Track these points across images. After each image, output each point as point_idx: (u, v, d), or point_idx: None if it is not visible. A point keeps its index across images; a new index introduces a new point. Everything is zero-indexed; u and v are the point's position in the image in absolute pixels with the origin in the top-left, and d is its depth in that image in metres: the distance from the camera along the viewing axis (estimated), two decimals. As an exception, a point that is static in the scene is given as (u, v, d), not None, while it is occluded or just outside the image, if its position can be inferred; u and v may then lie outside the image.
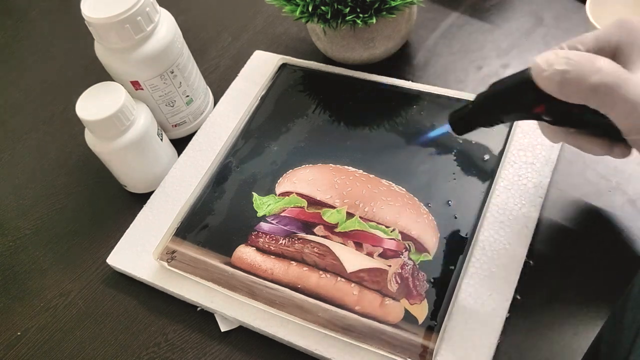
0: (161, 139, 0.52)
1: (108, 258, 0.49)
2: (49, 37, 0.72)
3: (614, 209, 0.44)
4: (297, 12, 0.50)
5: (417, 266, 0.42)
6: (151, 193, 0.52)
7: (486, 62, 0.55)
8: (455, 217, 0.44)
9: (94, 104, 0.47)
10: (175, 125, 0.55)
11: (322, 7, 0.49)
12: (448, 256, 0.42)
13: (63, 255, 0.52)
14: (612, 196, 0.44)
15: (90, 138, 0.50)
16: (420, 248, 0.43)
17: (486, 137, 0.47)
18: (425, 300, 0.41)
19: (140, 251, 0.48)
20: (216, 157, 0.52)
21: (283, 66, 0.57)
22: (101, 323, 0.47)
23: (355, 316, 0.41)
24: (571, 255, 0.43)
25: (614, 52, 0.34)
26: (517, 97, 0.35)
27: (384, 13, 0.49)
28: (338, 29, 0.52)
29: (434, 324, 0.40)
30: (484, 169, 0.46)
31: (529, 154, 0.47)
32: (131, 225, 0.50)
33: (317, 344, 0.41)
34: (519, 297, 0.41)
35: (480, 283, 0.41)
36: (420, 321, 0.40)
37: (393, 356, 0.39)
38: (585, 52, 0.33)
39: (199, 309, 0.45)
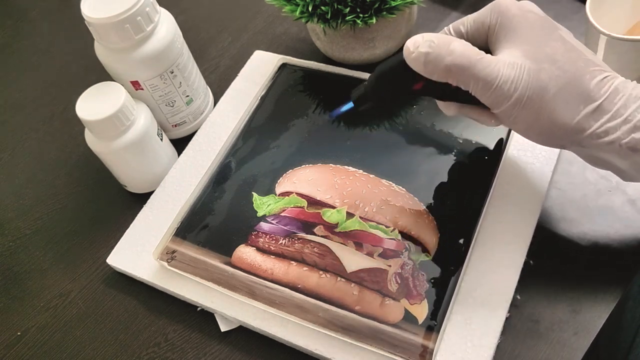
0: (161, 139, 0.52)
1: (108, 258, 0.49)
2: (49, 37, 0.72)
3: (613, 209, 0.44)
4: (297, 12, 0.50)
5: (417, 266, 0.42)
6: (151, 193, 0.52)
7: (486, 62, 0.55)
8: (455, 217, 0.44)
9: (94, 104, 0.47)
10: (175, 125, 0.55)
11: (322, 7, 0.49)
12: (448, 256, 0.42)
13: (63, 255, 0.52)
14: (612, 196, 0.44)
15: (90, 138, 0.50)
16: (421, 248, 0.43)
17: (486, 137, 0.47)
18: (425, 300, 0.41)
19: (140, 251, 0.48)
20: (216, 157, 0.52)
21: (283, 66, 0.57)
22: (101, 323, 0.47)
23: (355, 316, 0.41)
24: (571, 255, 0.43)
25: (488, 33, 0.38)
26: (398, 77, 0.39)
27: (384, 13, 0.49)
28: (338, 29, 0.52)
29: (434, 324, 0.40)
30: (484, 169, 0.46)
31: (528, 154, 0.47)
32: (131, 225, 0.50)
33: (317, 344, 0.41)
34: (519, 297, 0.41)
35: (480, 283, 0.41)
36: (420, 321, 0.40)
37: (393, 356, 0.39)
38: (446, 35, 0.37)
39: (199, 309, 0.45)
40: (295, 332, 0.42)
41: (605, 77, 0.34)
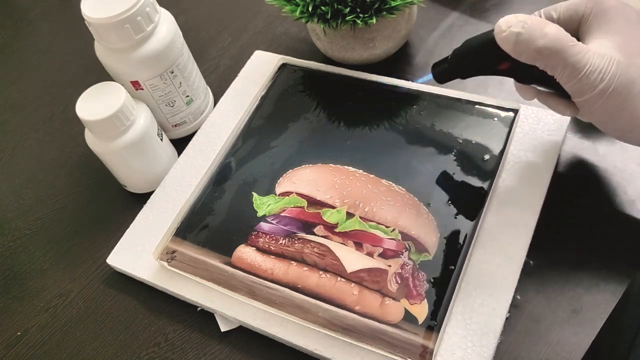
0: (161, 139, 0.52)
1: (108, 258, 0.49)
2: (49, 37, 0.72)
3: (614, 210, 0.44)
4: (297, 12, 0.50)
5: (417, 266, 0.42)
6: (151, 193, 0.52)
7: (486, 62, 0.55)
8: (455, 217, 0.44)
9: (94, 104, 0.47)
10: (175, 125, 0.55)
11: (322, 7, 0.49)
12: (448, 256, 0.42)
13: (63, 255, 0.52)
14: (612, 196, 0.44)
15: (90, 138, 0.50)
16: (420, 248, 0.43)
17: (486, 137, 0.47)
18: (425, 300, 0.41)
19: (140, 251, 0.48)
20: (216, 157, 0.52)
21: (283, 66, 0.57)
22: (101, 323, 0.47)
23: (355, 316, 0.41)
24: (571, 256, 0.43)
25: (580, 21, 0.38)
26: (484, 55, 0.40)
27: (384, 13, 0.49)
28: (338, 29, 0.52)
29: (434, 324, 0.40)
30: (484, 169, 0.46)
31: (529, 154, 0.47)
32: (131, 225, 0.50)
33: (317, 344, 0.41)
34: (519, 297, 0.41)
35: (480, 283, 0.41)
36: (420, 321, 0.40)
37: (393, 356, 0.39)
38: (540, 18, 0.37)
39: (199, 309, 0.45)
40: (295, 332, 0.42)
41: None
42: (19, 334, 0.48)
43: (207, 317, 0.45)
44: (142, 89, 0.51)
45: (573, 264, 0.42)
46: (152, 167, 0.52)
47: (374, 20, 0.49)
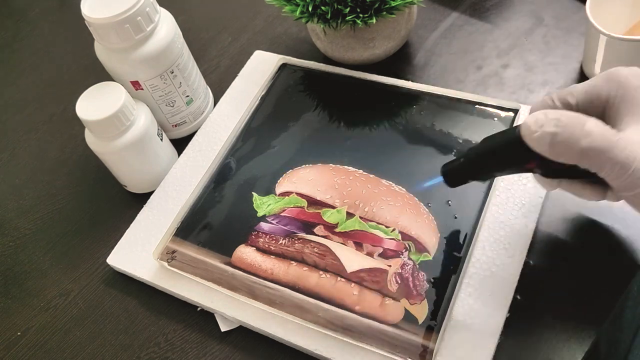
0: (161, 139, 0.52)
1: (108, 258, 0.49)
2: (49, 37, 0.72)
3: (613, 211, 0.44)
4: (297, 12, 0.50)
5: (417, 266, 0.42)
6: (151, 193, 0.52)
7: (486, 62, 0.55)
8: (455, 217, 0.44)
9: (94, 104, 0.47)
10: (176, 125, 0.55)
11: (322, 7, 0.49)
12: (448, 256, 0.42)
13: (63, 255, 0.52)
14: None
15: (90, 138, 0.50)
16: (420, 248, 0.43)
17: (486, 134, 0.47)
18: (425, 300, 0.41)
19: (140, 251, 0.48)
20: (216, 157, 0.52)
21: (283, 66, 0.57)
22: (101, 323, 0.47)
23: (355, 316, 0.41)
24: (571, 256, 0.43)
25: (604, 106, 0.34)
26: (509, 155, 0.36)
27: (384, 13, 0.49)
28: (338, 29, 0.52)
29: (434, 323, 0.40)
30: None
31: None
32: (131, 226, 0.50)
33: (317, 344, 0.41)
34: (519, 297, 0.41)
35: (480, 283, 0.41)
36: (420, 321, 0.40)
37: (393, 356, 0.39)
38: (575, 113, 0.33)
39: (199, 309, 0.45)
40: (295, 332, 0.42)
41: None
42: (19, 334, 0.48)
43: (206, 317, 0.45)
44: (142, 89, 0.51)
45: (573, 264, 0.42)
46: (152, 167, 0.52)
47: (374, 20, 0.49)
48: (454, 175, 0.39)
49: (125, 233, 0.50)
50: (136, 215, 0.51)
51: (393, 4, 0.49)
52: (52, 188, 0.57)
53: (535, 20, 0.56)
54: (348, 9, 0.49)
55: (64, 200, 0.56)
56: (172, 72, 0.51)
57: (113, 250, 0.49)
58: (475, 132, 0.48)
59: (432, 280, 0.41)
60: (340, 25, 0.50)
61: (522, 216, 0.44)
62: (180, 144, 0.55)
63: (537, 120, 0.33)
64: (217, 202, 0.49)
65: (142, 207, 0.51)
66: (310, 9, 0.50)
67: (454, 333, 0.40)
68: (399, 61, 0.57)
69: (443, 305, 0.40)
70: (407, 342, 0.39)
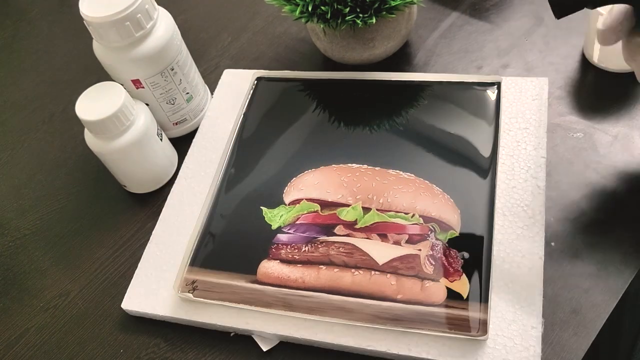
0: (161, 139, 0.52)
1: (122, 303, 0.46)
2: (49, 37, 0.72)
3: (613, 209, 0.44)
4: (297, 12, 0.50)
5: (447, 244, 0.42)
6: (151, 193, 0.52)
7: (486, 62, 0.55)
8: (469, 191, 0.44)
9: (93, 104, 0.47)
10: (176, 123, 0.55)
11: (322, 7, 0.49)
12: (473, 228, 0.43)
13: (63, 255, 0.52)
14: (612, 197, 0.44)
15: (90, 138, 0.50)
16: (445, 227, 0.43)
17: (478, 112, 0.49)
18: (464, 274, 0.41)
19: (155, 289, 0.46)
20: (213, 182, 0.50)
21: (259, 80, 0.56)
22: (101, 323, 0.47)
23: (400, 305, 0.41)
24: (571, 255, 0.43)
25: None
26: None
27: (384, 13, 0.49)
28: (338, 29, 0.52)
29: (478, 294, 0.40)
30: (483, 142, 0.47)
31: (520, 119, 0.48)
32: (139, 265, 0.48)
33: (368, 341, 0.40)
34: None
35: (511, 247, 0.42)
36: (465, 295, 0.40)
37: (448, 334, 0.39)
38: None
39: (232, 334, 0.44)
40: (344, 334, 0.41)
41: None
42: (19, 334, 0.48)
43: (207, 317, 0.45)
44: (143, 87, 0.51)
45: (573, 264, 0.42)
46: (152, 167, 0.52)
47: (374, 20, 0.49)
48: (565, 2, 0.38)
49: (135, 274, 0.47)
50: (136, 216, 0.51)
51: (393, 3, 0.49)
52: (52, 188, 0.57)
53: (535, 20, 0.56)
54: (348, 9, 0.49)
55: (64, 200, 0.56)
56: (173, 69, 0.51)
57: (126, 295, 0.46)
58: (466, 110, 0.49)
59: (465, 254, 0.42)
60: (340, 25, 0.50)
61: (531, 177, 0.45)
62: (180, 143, 0.55)
63: None
64: (225, 223, 0.47)
65: (142, 207, 0.51)
66: (310, 8, 0.50)
67: (500, 299, 0.40)
68: (399, 61, 0.57)
69: (483, 275, 0.41)
70: (458, 318, 0.39)
